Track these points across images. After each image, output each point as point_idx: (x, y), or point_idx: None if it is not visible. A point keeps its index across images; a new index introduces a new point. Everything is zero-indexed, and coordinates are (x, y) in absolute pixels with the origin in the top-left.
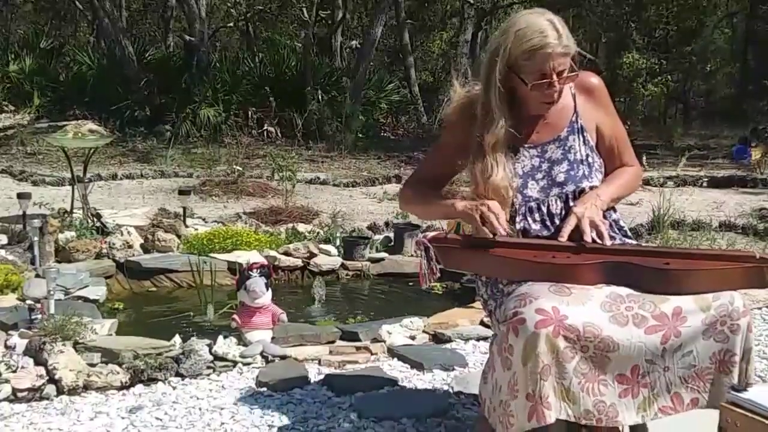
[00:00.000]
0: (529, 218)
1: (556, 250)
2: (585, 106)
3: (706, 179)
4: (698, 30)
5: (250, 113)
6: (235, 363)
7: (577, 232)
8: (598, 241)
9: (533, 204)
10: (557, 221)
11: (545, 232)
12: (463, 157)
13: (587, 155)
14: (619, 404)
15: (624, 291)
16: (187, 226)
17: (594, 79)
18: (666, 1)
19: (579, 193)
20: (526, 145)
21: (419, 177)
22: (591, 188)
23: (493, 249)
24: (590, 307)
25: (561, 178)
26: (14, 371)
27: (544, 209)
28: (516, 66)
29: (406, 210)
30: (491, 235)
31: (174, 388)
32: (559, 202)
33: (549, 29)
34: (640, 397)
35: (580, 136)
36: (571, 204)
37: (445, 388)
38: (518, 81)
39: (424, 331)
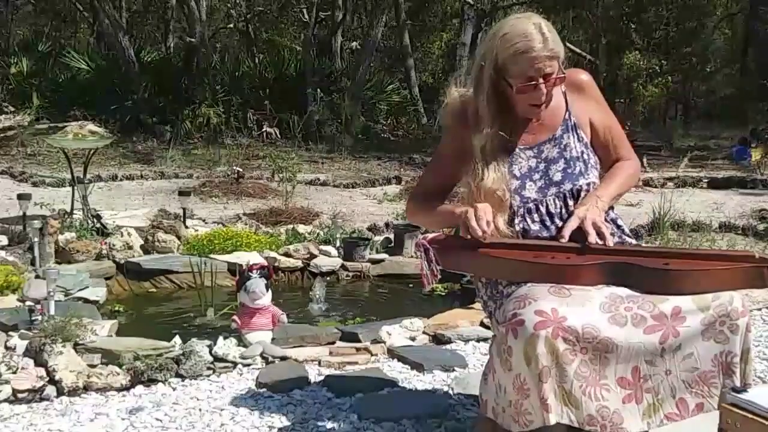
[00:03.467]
0: (528, 219)
1: (556, 251)
2: (576, 103)
3: (706, 180)
4: (698, 31)
5: (249, 114)
6: (235, 364)
7: (579, 234)
8: (599, 242)
9: (532, 205)
10: (557, 220)
11: (545, 233)
12: (463, 162)
13: (582, 152)
14: (624, 410)
15: (623, 292)
16: (187, 227)
17: (583, 75)
18: (666, 1)
19: (576, 191)
20: (522, 147)
21: (423, 188)
22: (587, 185)
23: (493, 250)
24: (589, 308)
25: (558, 177)
26: (14, 372)
27: (543, 209)
28: (503, 70)
29: (414, 221)
30: (468, 237)
31: (174, 389)
32: (557, 202)
33: (534, 33)
34: (644, 403)
35: (574, 134)
36: (570, 202)
37: (445, 389)
38: (505, 86)
39: (424, 332)
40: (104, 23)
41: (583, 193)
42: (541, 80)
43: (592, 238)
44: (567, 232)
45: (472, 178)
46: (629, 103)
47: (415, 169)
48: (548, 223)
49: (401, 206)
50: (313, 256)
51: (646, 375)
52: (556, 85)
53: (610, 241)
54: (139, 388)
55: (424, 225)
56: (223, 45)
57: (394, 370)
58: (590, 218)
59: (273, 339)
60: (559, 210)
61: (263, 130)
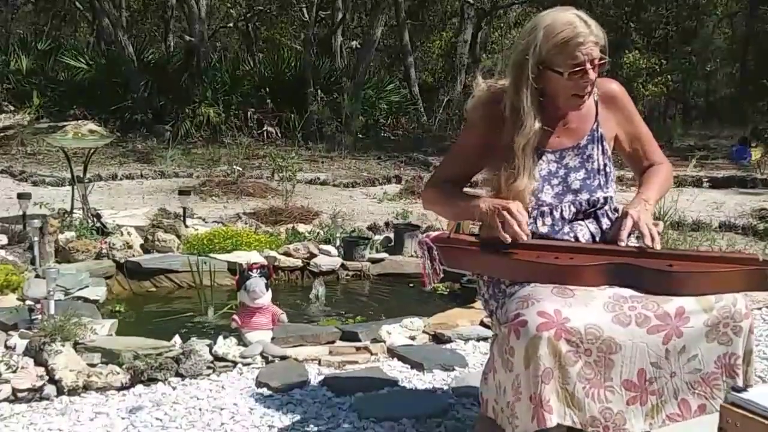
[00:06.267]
0: (539, 221)
1: (559, 251)
2: (606, 114)
3: (706, 180)
4: (698, 30)
5: (249, 113)
6: (235, 363)
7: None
8: (650, 245)
9: (546, 208)
10: (566, 226)
11: (552, 236)
12: (486, 156)
13: (605, 164)
14: (627, 412)
15: (627, 292)
16: (187, 227)
17: (614, 86)
18: (666, 1)
19: (593, 202)
20: (546, 150)
21: (441, 177)
22: (605, 199)
23: (496, 249)
24: (593, 308)
25: (576, 185)
26: (14, 371)
27: (557, 214)
28: (548, 61)
29: (430, 210)
30: (509, 240)
31: (174, 388)
32: (572, 208)
33: (577, 21)
34: (648, 405)
35: (599, 145)
36: (583, 212)
37: (445, 388)
38: (548, 79)
39: (424, 332)
40: (104, 22)
41: (599, 205)
42: (588, 65)
43: (648, 240)
44: (625, 235)
45: (505, 177)
46: None
47: (415, 168)
48: (558, 227)
49: (401, 205)
50: (313, 256)
51: (651, 378)
52: (600, 69)
53: (658, 245)
54: (139, 388)
55: (439, 214)
56: (223, 44)
57: (394, 369)
58: (644, 220)
59: (273, 338)
60: (571, 216)
61: (263, 129)
